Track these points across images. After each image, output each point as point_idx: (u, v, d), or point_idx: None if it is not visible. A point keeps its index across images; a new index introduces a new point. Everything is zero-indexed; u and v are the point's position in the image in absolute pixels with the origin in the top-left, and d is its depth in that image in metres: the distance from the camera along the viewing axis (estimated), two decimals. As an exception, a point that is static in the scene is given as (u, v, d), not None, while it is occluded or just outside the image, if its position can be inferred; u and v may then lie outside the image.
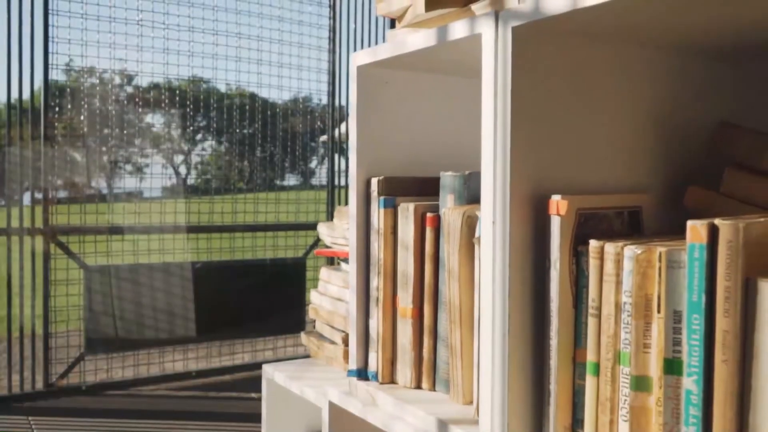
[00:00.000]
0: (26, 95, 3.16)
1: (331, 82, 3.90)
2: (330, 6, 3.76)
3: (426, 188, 1.00)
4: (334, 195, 4.14)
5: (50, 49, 3.17)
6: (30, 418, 2.85)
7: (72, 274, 3.35)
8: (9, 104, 3.13)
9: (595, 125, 0.81)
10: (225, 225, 3.76)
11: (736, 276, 0.59)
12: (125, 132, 3.52)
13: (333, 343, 1.35)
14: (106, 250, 3.47)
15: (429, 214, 0.96)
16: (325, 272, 1.41)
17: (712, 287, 0.61)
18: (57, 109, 3.30)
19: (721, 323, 0.60)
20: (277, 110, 3.90)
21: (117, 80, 3.46)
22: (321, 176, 4.31)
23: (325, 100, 4.02)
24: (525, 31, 0.74)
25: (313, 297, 1.43)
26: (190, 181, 4.04)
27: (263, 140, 3.91)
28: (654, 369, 0.66)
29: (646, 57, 0.85)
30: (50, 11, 3.14)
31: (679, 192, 0.86)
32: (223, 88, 3.71)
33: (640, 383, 0.67)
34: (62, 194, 3.44)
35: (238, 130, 3.84)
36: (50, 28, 3.15)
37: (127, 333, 3.47)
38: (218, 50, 3.48)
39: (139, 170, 3.77)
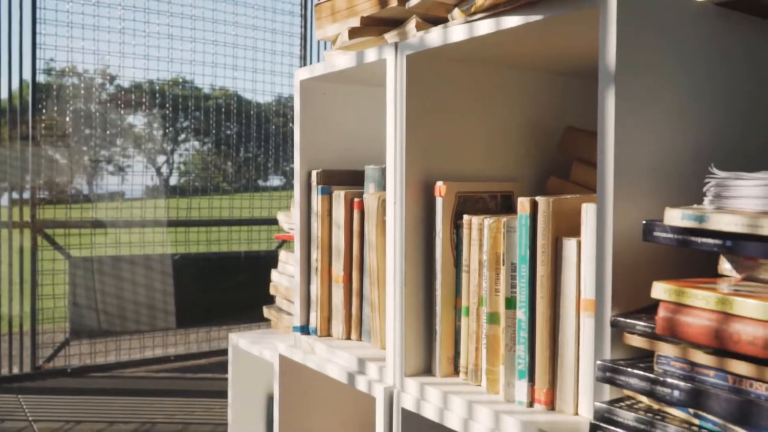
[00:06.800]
0: (14, 97, 3.36)
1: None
2: (302, 16, 4.00)
3: (355, 178, 1.24)
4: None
5: (38, 56, 3.36)
6: (20, 396, 3.04)
7: (57, 265, 3.54)
8: (-1, 107, 3.33)
9: (474, 128, 1.05)
10: (203, 219, 3.96)
11: (548, 236, 0.84)
12: (108, 132, 3.71)
13: (290, 314, 1.56)
14: (90, 243, 3.66)
15: (356, 199, 1.19)
16: (283, 254, 1.63)
17: (534, 244, 0.85)
18: (44, 111, 3.49)
19: (540, 270, 0.84)
20: (252, 111, 4.09)
21: (99, 80, 3.65)
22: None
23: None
24: (416, 58, 0.98)
25: (273, 276, 1.64)
26: (172, 182, 4.19)
27: (246, 140, 4.08)
28: (501, 306, 0.90)
29: (510, 76, 1.09)
30: (38, 20, 3.34)
31: (543, 181, 1.11)
32: (206, 89, 3.89)
33: (492, 318, 0.92)
34: (47, 194, 3.61)
35: (217, 131, 4.01)
36: (38, 36, 3.35)
37: (109, 320, 3.67)
38: (196, 56, 3.71)
39: (120, 170, 3.92)
